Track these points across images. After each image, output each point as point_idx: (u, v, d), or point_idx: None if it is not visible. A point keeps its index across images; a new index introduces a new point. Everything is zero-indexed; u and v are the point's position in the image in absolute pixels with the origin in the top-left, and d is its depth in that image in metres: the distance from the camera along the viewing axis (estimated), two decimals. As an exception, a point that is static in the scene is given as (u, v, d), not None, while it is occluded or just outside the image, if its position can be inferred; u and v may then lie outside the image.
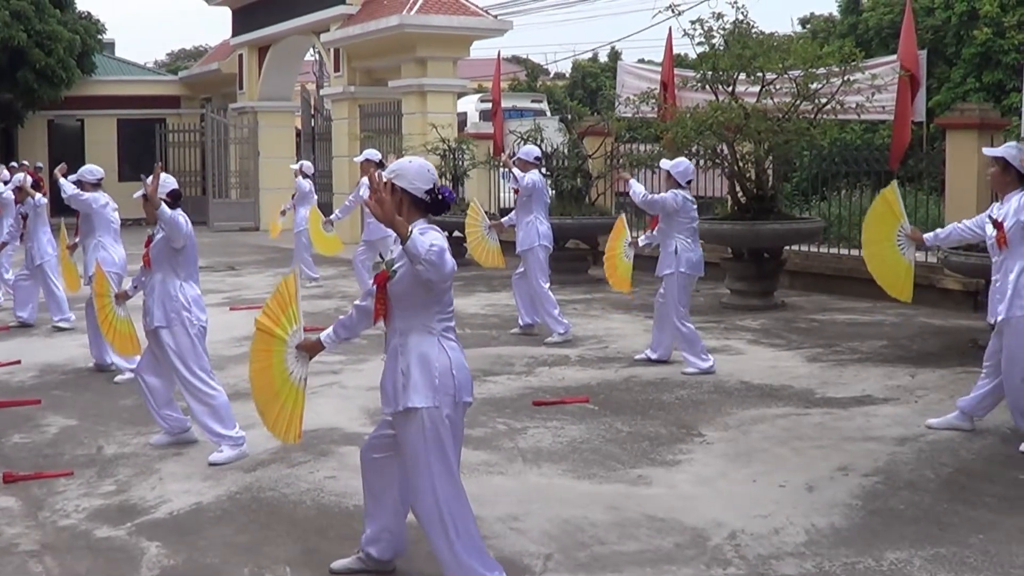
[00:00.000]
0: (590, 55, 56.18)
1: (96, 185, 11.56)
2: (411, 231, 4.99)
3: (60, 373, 11.45)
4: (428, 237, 5.06)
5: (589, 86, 50.69)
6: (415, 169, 5.39)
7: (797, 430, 8.66)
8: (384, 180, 5.19)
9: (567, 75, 58.74)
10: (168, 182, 8.25)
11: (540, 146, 18.83)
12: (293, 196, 19.63)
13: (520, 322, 13.23)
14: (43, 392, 10.49)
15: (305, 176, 19.62)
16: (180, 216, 8.04)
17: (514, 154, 14.34)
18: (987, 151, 8.54)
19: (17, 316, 14.58)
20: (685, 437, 8.52)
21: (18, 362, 11.91)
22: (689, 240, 10.90)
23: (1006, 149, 8.22)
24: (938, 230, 8.96)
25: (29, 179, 15.54)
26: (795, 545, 6.18)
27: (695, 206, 11.02)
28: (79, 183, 11.58)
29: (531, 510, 6.82)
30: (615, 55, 49.98)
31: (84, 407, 9.88)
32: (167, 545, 6.36)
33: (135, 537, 6.53)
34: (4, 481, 7.62)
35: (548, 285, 12.76)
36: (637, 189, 11.31)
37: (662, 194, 11.13)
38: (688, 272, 10.90)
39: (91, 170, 11.73)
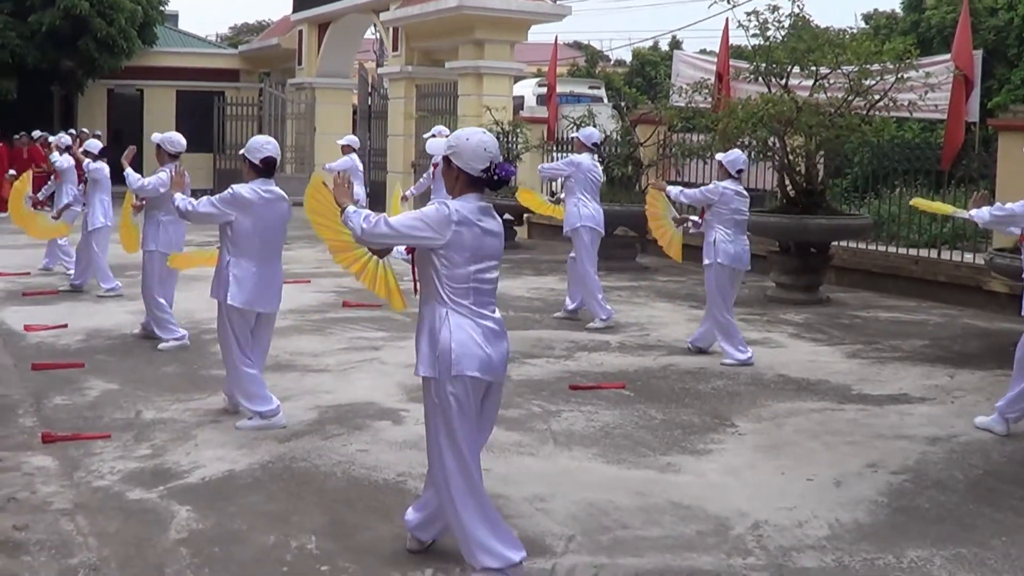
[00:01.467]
0: (650, 43, 56.09)
1: (175, 157, 11.12)
2: (345, 209, 5.52)
3: (105, 338, 11.63)
4: (418, 211, 5.39)
5: (648, 74, 50.53)
6: (471, 149, 5.41)
7: (830, 425, 8.68)
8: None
9: (627, 63, 58.62)
10: None
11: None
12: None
13: (566, 306, 13.29)
14: (87, 356, 10.67)
15: (352, 150, 19.75)
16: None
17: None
18: None
19: (72, 283, 14.80)
20: (718, 427, 8.56)
21: (65, 326, 12.10)
22: (730, 232, 10.87)
23: None
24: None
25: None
26: (817, 539, 6.22)
27: (742, 198, 10.96)
28: (158, 149, 11.25)
29: (558, 492, 6.89)
30: (676, 44, 49.89)
31: (126, 372, 10.04)
32: (197, 509, 6.49)
33: (166, 500, 6.66)
34: (43, 441, 7.79)
35: (595, 270, 12.81)
36: (673, 190, 11.61)
37: (703, 187, 11.23)
38: (726, 264, 10.89)
39: (171, 140, 11.27)
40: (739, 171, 11.01)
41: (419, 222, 5.35)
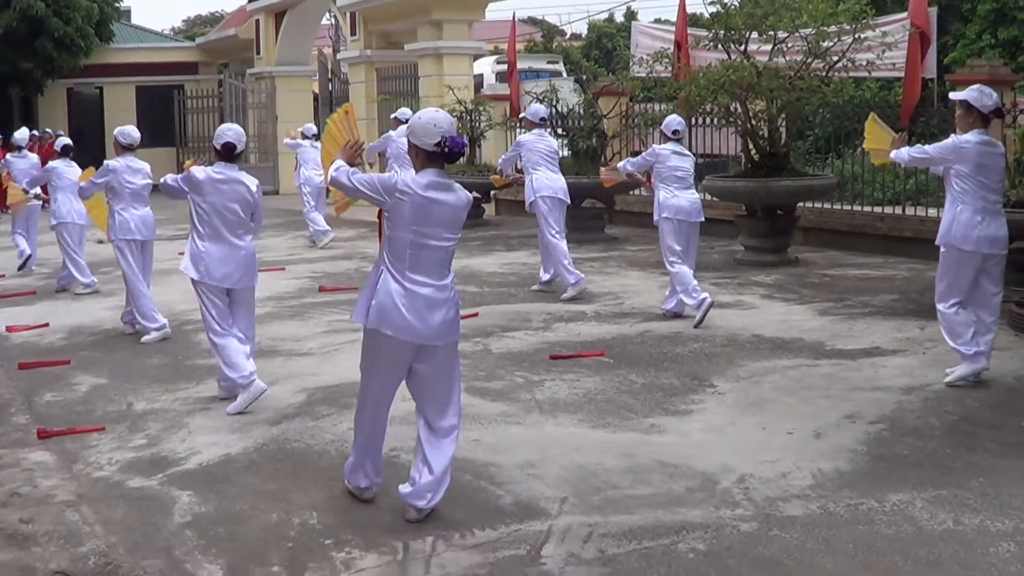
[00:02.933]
0: (606, 16, 56.20)
1: (127, 148, 11.68)
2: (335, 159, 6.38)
3: (88, 335, 11.74)
4: (375, 175, 6.10)
5: (605, 46, 50.66)
6: (422, 126, 5.91)
7: (806, 380, 8.89)
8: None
9: (583, 36, 58.74)
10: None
11: (556, 107, 19.12)
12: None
13: (540, 278, 13.49)
14: (72, 353, 10.78)
15: (305, 137, 19.94)
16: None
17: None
18: (952, 95, 9.02)
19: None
20: (697, 388, 8.76)
21: (47, 325, 12.20)
22: (671, 187, 11.56)
23: (968, 92, 8.62)
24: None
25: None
26: (801, 488, 6.42)
27: (680, 157, 11.70)
28: (115, 142, 11.81)
29: (547, 457, 7.07)
30: (631, 15, 49.98)
31: (113, 366, 10.17)
32: (198, 493, 6.64)
33: (167, 487, 6.81)
34: (39, 437, 7.91)
35: (559, 237, 13.06)
36: (620, 164, 12.66)
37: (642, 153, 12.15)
38: (671, 216, 11.52)
39: (123, 132, 11.85)
40: (674, 132, 11.75)
41: (370, 183, 6.00)
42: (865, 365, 9.34)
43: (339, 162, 6.31)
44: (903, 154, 9.04)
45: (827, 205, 16.83)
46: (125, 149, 11.72)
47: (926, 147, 8.96)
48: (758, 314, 11.67)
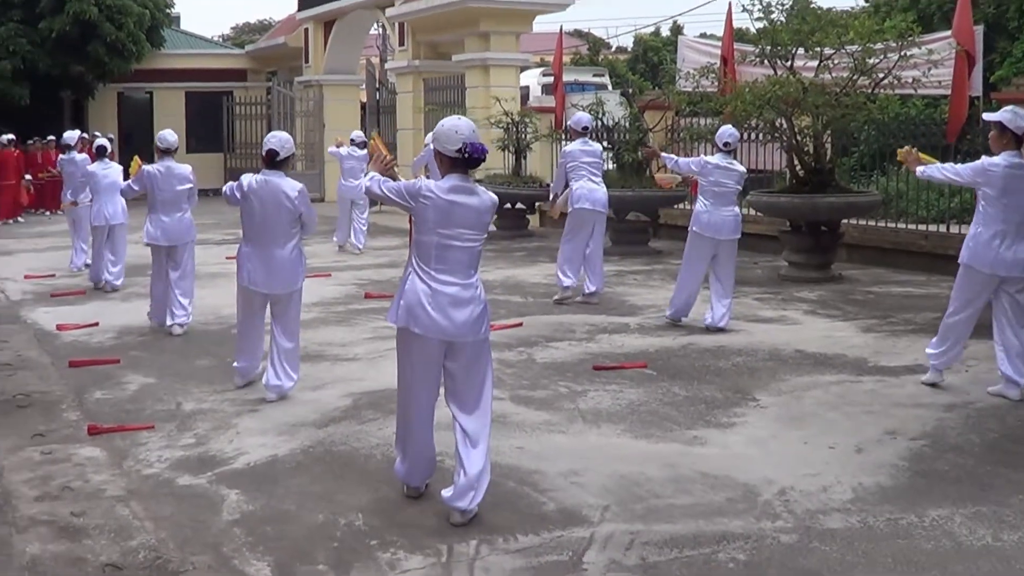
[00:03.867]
0: (652, 29, 56.27)
1: (165, 152, 12.03)
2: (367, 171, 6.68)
3: (137, 335, 11.90)
4: (404, 182, 6.32)
5: (651, 60, 50.74)
6: (443, 132, 6.17)
7: (849, 396, 8.93)
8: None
9: (629, 49, 58.81)
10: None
11: (601, 119, 19.21)
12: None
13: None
14: (121, 352, 10.95)
15: (352, 144, 20.35)
16: None
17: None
18: (986, 116, 9.11)
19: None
20: (740, 401, 8.82)
21: (96, 324, 12.38)
22: (708, 202, 11.63)
23: (1002, 113, 8.72)
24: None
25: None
26: (842, 502, 6.48)
27: (726, 172, 11.63)
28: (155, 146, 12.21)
29: (590, 466, 7.15)
30: (677, 29, 50.06)
31: (162, 366, 10.32)
32: (246, 492, 6.76)
33: (215, 485, 6.93)
34: (89, 433, 8.06)
35: (567, 241, 13.58)
36: (668, 156, 12.69)
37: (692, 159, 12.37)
38: (698, 231, 11.74)
39: (161, 137, 12.17)
40: (726, 144, 11.66)
41: (397, 190, 6.27)
42: (907, 382, 9.37)
43: (372, 173, 6.58)
44: (935, 171, 9.10)
45: (871, 222, 16.83)
46: (163, 153, 12.04)
47: (958, 167, 9.05)
48: (801, 330, 11.71)
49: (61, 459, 7.51)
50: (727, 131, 11.84)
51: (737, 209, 11.79)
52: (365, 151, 19.95)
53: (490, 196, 6.32)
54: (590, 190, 13.31)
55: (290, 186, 8.91)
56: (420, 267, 6.21)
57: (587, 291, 13.50)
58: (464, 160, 6.13)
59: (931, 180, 9.32)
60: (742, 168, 11.88)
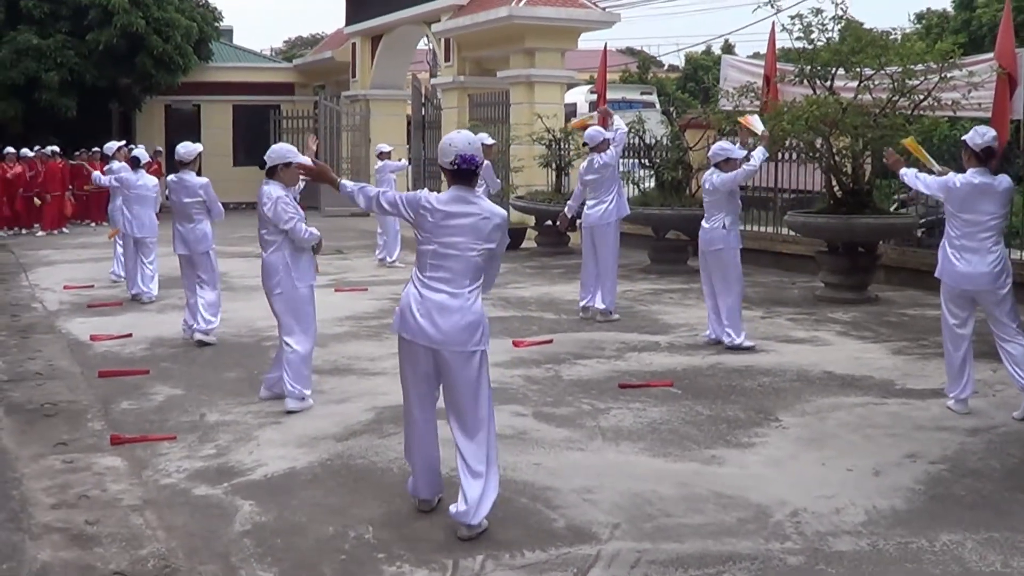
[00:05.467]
0: (703, 48, 56.19)
1: (186, 164, 12.21)
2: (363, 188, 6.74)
3: (169, 347, 12.01)
4: (404, 193, 6.45)
5: (701, 79, 50.65)
6: (441, 147, 6.32)
7: (872, 418, 8.89)
8: None
9: (679, 68, 58.76)
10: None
11: (642, 138, 19.21)
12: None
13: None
14: (152, 364, 11.06)
15: (381, 155, 20.84)
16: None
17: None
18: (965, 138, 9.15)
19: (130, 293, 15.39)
20: (762, 421, 8.79)
21: (129, 335, 12.50)
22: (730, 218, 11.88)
23: (969, 133, 9.04)
24: None
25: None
26: (853, 524, 6.45)
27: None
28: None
29: (604, 484, 7.15)
30: (728, 48, 49.98)
31: (190, 378, 10.42)
32: (260, 504, 6.82)
33: (230, 496, 6.99)
34: (112, 443, 8.16)
35: (582, 262, 14.01)
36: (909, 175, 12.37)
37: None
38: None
39: (177, 149, 12.42)
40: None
41: (398, 201, 6.37)
42: (933, 405, 9.32)
43: (371, 187, 6.71)
44: (912, 177, 9.36)
45: (909, 245, 16.73)
46: (183, 165, 12.24)
47: (928, 178, 9.22)
48: (831, 351, 11.66)
49: (81, 468, 7.60)
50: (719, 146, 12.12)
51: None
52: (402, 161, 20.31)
53: (495, 210, 6.35)
54: (587, 207, 13.66)
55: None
56: (417, 275, 6.35)
57: (599, 309, 13.58)
58: (459, 171, 6.24)
59: (906, 184, 9.49)
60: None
